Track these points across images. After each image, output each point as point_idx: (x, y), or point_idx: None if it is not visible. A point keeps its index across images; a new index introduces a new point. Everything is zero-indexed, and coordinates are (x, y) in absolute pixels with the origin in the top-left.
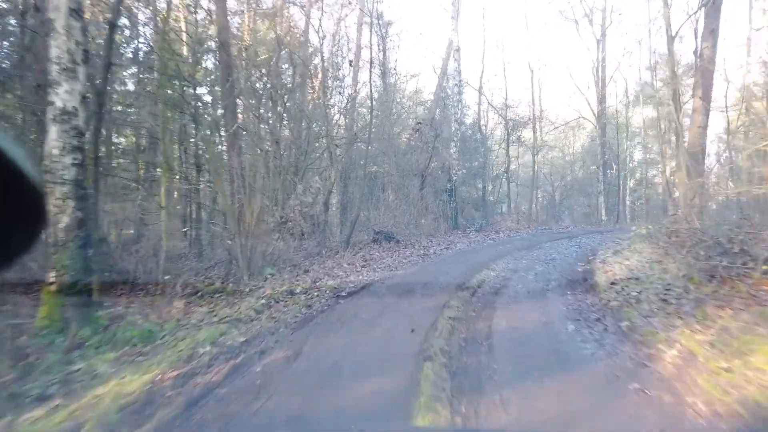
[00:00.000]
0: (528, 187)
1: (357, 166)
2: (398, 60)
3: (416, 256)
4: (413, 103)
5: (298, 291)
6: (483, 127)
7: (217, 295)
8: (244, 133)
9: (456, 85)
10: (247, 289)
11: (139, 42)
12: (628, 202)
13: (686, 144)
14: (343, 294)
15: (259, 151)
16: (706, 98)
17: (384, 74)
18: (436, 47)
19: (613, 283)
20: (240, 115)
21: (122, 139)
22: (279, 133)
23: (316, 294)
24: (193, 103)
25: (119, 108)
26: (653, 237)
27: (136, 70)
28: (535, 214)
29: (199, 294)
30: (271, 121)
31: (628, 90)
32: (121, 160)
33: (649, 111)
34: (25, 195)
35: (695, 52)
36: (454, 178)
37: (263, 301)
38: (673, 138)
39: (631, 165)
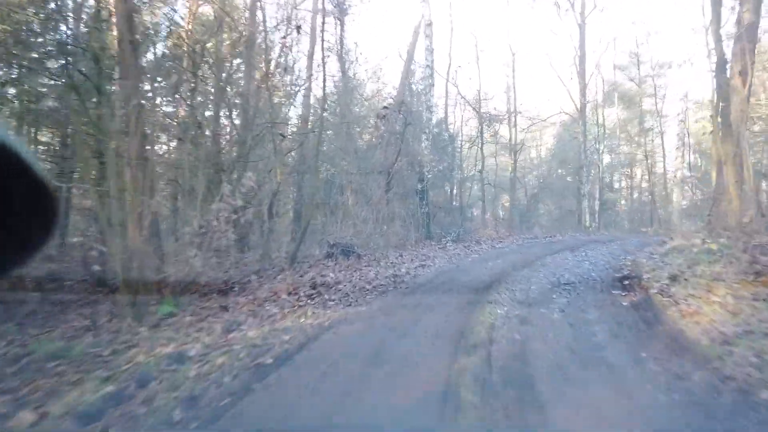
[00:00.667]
0: (504, 189)
1: (311, 164)
2: (359, 41)
3: (384, 278)
4: (376, 93)
5: (192, 354)
6: (451, 126)
7: (52, 364)
8: (146, 109)
9: (428, 66)
10: (108, 351)
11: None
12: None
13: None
14: (268, 361)
15: (179, 139)
16: (745, 74)
17: (341, 55)
18: (404, 25)
19: (726, 343)
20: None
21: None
22: (203, 116)
23: (220, 361)
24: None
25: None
26: (731, 256)
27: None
28: (511, 221)
29: (25, 360)
30: (197, 100)
31: (605, 89)
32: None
33: (620, 111)
34: (34, 191)
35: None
36: (428, 176)
37: (111, 387)
38: (653, 140)
39: (601, 167)
